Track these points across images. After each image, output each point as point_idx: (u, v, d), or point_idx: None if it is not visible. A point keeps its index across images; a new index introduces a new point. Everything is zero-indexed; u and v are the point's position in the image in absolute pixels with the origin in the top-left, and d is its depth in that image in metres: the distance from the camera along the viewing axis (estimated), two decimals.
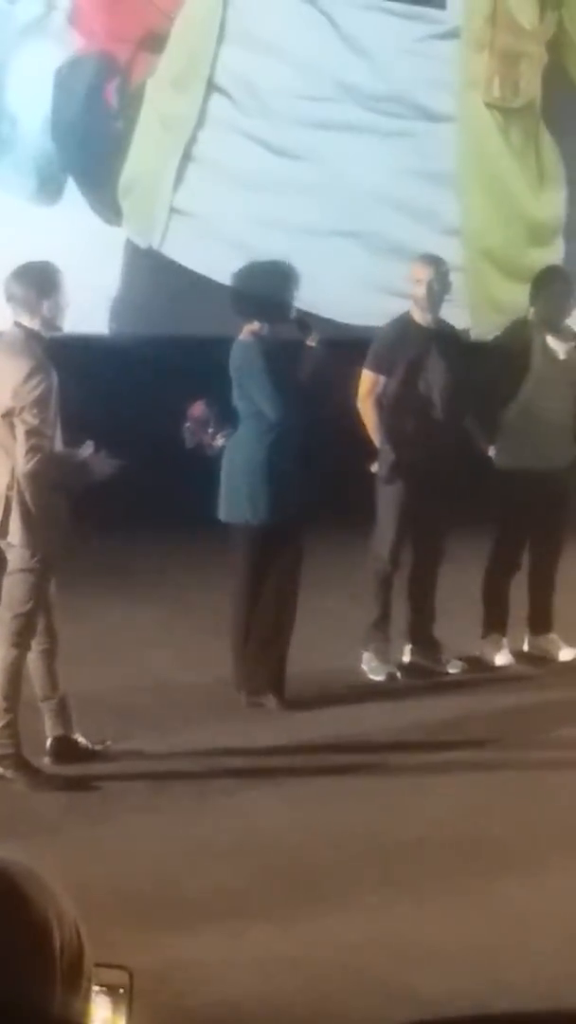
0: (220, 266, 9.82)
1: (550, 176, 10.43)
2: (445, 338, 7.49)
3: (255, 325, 6.80)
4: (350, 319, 9.25)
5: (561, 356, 7.66)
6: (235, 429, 6.82)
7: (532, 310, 7.73)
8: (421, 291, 7.37)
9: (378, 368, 7.38)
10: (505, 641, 7.72)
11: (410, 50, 10.17)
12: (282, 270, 6.83)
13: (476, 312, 9.82)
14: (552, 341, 7.64)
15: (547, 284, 7.82)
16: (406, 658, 7.57)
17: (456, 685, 7.40)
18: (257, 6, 9.99)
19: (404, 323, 7.46)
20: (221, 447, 6.83)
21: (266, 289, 6.77)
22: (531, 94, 10.30)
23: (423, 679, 7.43)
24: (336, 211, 10.04)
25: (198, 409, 6.83)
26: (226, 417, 6.85)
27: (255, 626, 6.87)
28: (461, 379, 7.41)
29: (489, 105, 10.25)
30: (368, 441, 7.42)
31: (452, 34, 10.23)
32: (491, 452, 7.63)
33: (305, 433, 6.84)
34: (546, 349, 7.63)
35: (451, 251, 8.79)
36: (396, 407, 7.37)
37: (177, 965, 4.47)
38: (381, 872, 5.24)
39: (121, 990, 2.01)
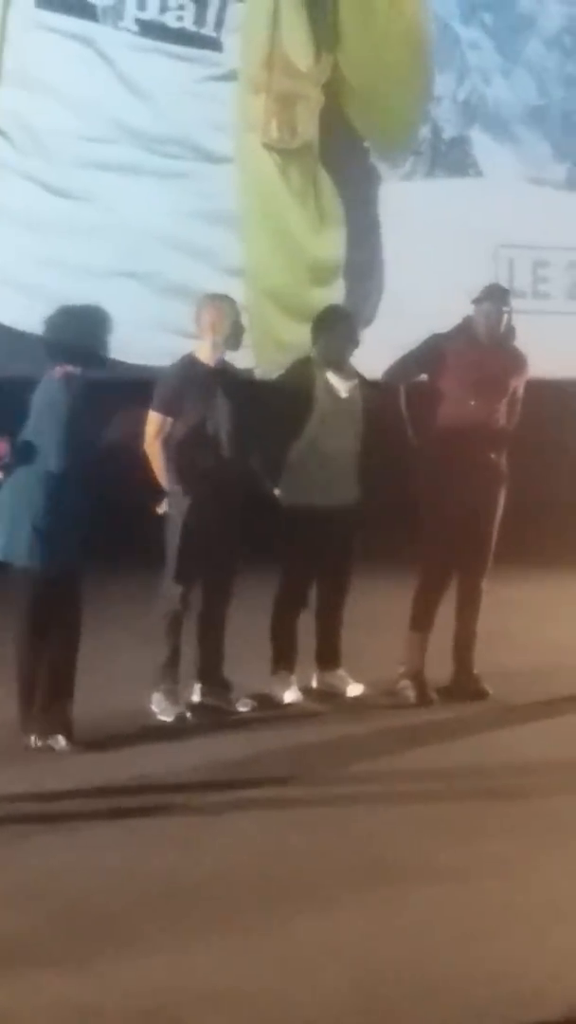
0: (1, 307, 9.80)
1: (329, 216, 10.55)
2: (230, 378, 7.50)
3: (68, 367, 6.77)
4: (135, 359, 9.22)
5: (343, 395, 7.72)
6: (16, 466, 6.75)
7: (315, 349, 7.79)
8: (214, 332, 7.37)
9: (164, 409, 7.36)
10: (293, 678, 7.75)
11: (189, 92, 10.22)
12: (94, 315, 6.83)
13: (260, 351, 9.87)
14: (334, 379, 7.71)
15: (328, 323, 7.89)
16: (196, 698, 7.54)
17: (246, 724, 7.39)
18: (35, 47, 9.94)
19: (189, 363, 7.45)
20: None
21: (78, 334, 6.76)
22: (309, 136, 10.41)
23: (214, 719, 7.41)
24: (118, 252, 10.02)
25: (1, 446, 6.72)
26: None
27: (40, 668, 6.79)
28: (247, 419, 7.43)
29: (267, 147, 10.32)
30: (156, 482, 7.39)
31: (230, 76, 10.30)
32: (277, 491, 7.66)
33: (91, 475, 6.79)
34: (329, 388, 7.69)
35: (234, 291, 8.79)
36: (183, 448, 7.36)
37: None
38: (175, 914, 5.17)
39: None
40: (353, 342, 7.83)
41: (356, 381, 7.78)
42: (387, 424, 7.78)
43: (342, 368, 7.76)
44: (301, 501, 7.64)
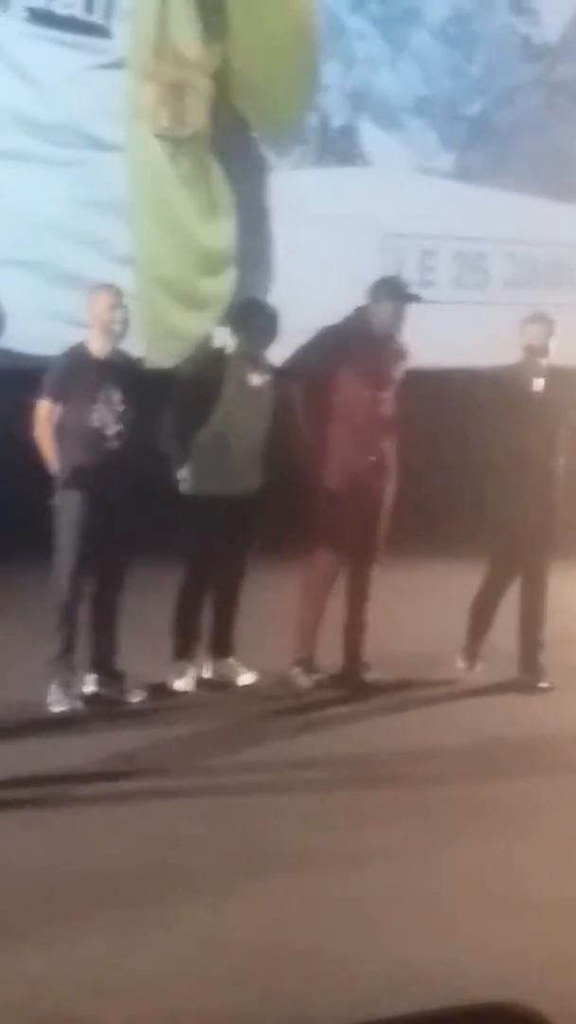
0: None
1: (220, 206, 10.56)
2: (121, 367, 7.52)
3: None
4: (28, 348, 9.23)
5: (254, 385, 7.77)
6: None
7: (233, 340, 7.81)
8: (102, 321, 7.42)
9: (53, 397, 7.39)
10: (192, 668, 7.79)
11: (78, 79, 10.16)
12: None
13: (150, 340, 9.88)
14: (248, 371, 7.75)
15: (249, 316, 7.93)
16: (89, 689, 7.58)
17: (138, 714, 7.43)
18: None
19: (79, 352, 7.49)
20: None
21: None
22: (199, 124, 10.40)
23: (107, 709, 7.45)
24: (8, 240, 9.98)
25: None
26: None
27: None
28: (139, 407, 7.46)
29: (157, 135, 10.32)
30: (46, 470, 7.41)
31: (119, 64, 10.27)
32: (180, 477, 7.67)
33: None
34: (240, 379, 7.73)
35: (125, 279, 8.83)
36: (72, 436, 7.39)
37: None
38: (65, 906, 5.21)
39: None
40: (272, 336, 7.84)
41: (269, 374, 7.83)
42: (283, 415, 7.84)
43: (255, 360, 7.81)
44: (204, 489, 7.66)
